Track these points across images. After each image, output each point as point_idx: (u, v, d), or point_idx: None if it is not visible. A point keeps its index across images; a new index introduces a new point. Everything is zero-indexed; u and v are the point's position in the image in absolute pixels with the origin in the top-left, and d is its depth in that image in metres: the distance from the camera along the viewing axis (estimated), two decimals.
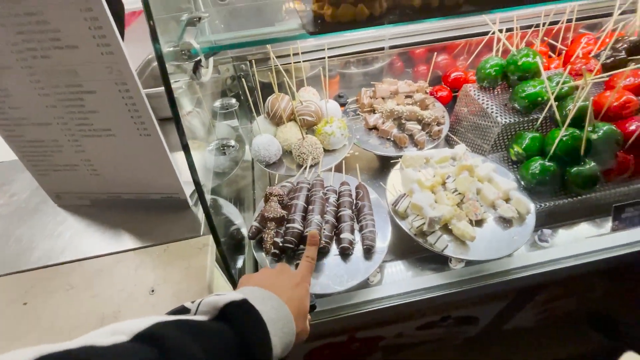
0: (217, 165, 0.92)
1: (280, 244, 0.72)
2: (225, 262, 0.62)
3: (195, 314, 0.38)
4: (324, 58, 1.03)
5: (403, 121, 1.04)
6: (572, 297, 1.06)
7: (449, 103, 1.21)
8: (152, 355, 0.29)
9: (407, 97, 1.10)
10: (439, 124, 1.02)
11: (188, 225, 0.66)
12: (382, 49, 1.18)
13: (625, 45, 0.97)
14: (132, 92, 0.54)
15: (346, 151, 0.99)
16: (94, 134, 0.59)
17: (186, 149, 0.49)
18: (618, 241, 0.82)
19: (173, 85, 0.79)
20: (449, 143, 1.13)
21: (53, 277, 0.58)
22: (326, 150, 0.99)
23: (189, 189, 0.70)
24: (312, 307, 0.56)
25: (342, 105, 1.21)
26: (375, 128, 1.07)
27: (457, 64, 1.34)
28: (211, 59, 0.69)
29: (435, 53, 1.18)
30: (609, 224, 0.83)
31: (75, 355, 0.26)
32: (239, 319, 0.38)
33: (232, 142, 0.91)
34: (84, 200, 0.71)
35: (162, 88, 0.55)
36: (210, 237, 0.61)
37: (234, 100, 1.00)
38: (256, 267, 0.82)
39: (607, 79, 0.90)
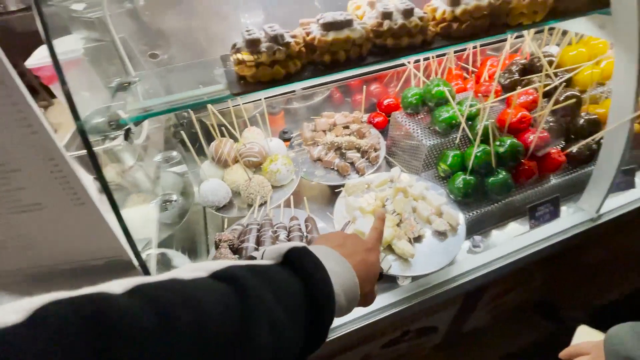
0: (165, 216, 0.92)
1: None
2: None
3: (261, 259, 0.42)
4: (260, 99, 1.09)
5: (344, 151, 1.12)
6: (515, 291, 1.17)
7: (386, 127, 1.32)
8: (229, 291, 0.31)
9: (345, 127, 1.19)
10: (375, 149, 1.11)
11: None
12: (293, 91, 1.27)
13: (518, 68, 1.14)
14: (60, 166, 0.54)
15: (294, 185, 1.04)
16: (22, 210, 0.58)
17: (118, 215, 0.50)
18: (538, 237, 0.94)
19: (109, 145, 0.80)
20: (390, 165, 1.22)
21: None
22: (275, 187, 1.03)
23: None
24: (381, 275, 0.56)
25: (287, 140, 1.26)
26: (319, 159, 1.13)
27: (388, 90, 1.47)
28: (146, 121, 0.71)
29: (365, 86, 1.28)
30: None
31: (165, 285, 0.29)
32: (302, 263, 0.40)
33: (174, 197, 0.91)
34: (16, 277, 0.67)
35: (102, 147, 0.56)
36: None
37: (175, 153, 1.02)
38: None
39: (493, 103, 1.04)
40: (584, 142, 0.93)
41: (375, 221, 0.60)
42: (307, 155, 1.16)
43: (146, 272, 0.58)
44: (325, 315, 0.39)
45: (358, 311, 0.79)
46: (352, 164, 1.09)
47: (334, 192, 1.16)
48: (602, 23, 0.79)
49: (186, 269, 0.34)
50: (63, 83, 0.47)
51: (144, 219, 0.83)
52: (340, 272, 0.43)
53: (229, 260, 0.37)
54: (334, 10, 0.88)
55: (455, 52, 1.39)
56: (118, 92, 0.66)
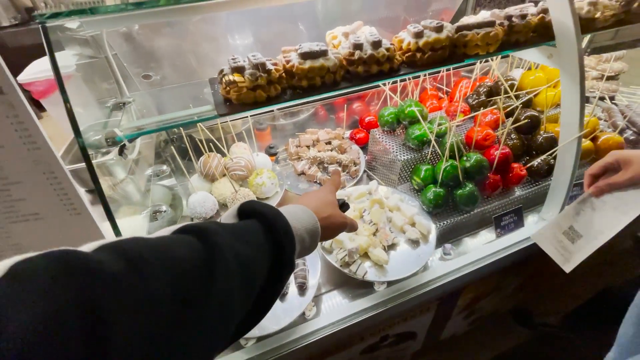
0: (154, 227, 0.96)
1: None
2: None
3: None
4: (247, 117, 1.16)
5: (326, 165, 1.19)
6: (489, 298, 1.23)
7: (367, 142, 1.40)
8: (191, 238, 0.34)
9: (327, 143, 1.26)
10: (355, 164, 1.19)
11: None
12: (271, 110, 1.36)
13: (485, 89, 1.25)
14: (60, 179, 0.59)
15: (278, 198, 1.10)
16: (21, 220, 0.62)
17: (114, 224, 0.56)
18: (504, 244, 1.01)
19: (103, 159, 0.85)
20: (371, 178, 1.29)
21: None
22: (260, 199, 1.09)
23: None
24: (345, 205, 0.65)
25: (273, 155, 1.33)
26: (303, 173, 1.20)
27: (370, 108, 1.57)
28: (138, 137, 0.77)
29: (347, 104, 1.38)
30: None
31: (129, 240, 0.31)
32: (254, 208, 0.45)
33: (164, 207, 0.96)
34: None
35: (97, 161, 0.61)
36: None
37: (165, 167, 1.07)
38: None
39: (459, 123, 1.14)
40: (542, 157, 1.02)
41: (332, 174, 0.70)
42: (292, 169, 1.23)
43: None
44: (285, 244, 0.44)
45: (336, 314, 0.85)
46: None
47: None
48: (550, 53, 0.89)
49: (149, 235, 0.37)
50: (66, 101, 0.53)
51: (134, 229, 0.87)
52: (292, 211, 0.50)
53: (184, 222, 0.40)
54: (316, 34, 0.98)
55: (430, 73, 1.50)
56: (114, 111, 0.72)
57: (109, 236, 0.66)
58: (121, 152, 0.61)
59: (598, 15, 0.89)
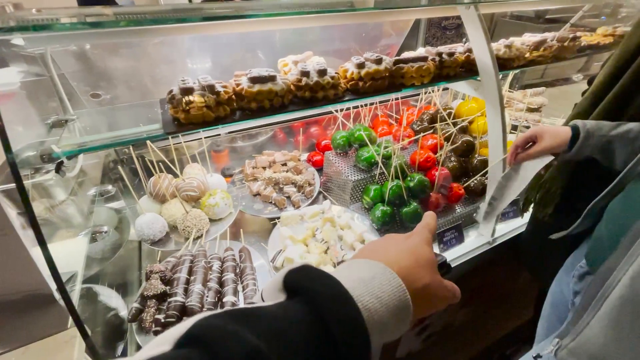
0: (95, 251, 0.91)
1: (162, 320, 0.74)
2: (95, 353, 0.62)
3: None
4: (201, 138, 1.17)
5: (281, 186, 1.21)
6: (438, 312, 1.28)
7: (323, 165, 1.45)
8: (192, 356, 0.23)
9: (283, 165, 1.30)
10: (310, 184, 1.22)
11: (54, 320, 0.64)
12: (219, 134, 1.39)
13: (428, 117, 1.37)
14: None
15: (232, 219, 1.09)
16: None
17: (44, 248, 0.53)
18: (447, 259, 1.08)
19: (40, 178, 0.81)
20: (326, 198, 1.33)
21: None
22: (213, 220, 1.08)
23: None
24: (446, 266, 0.44)
25: (229, 176, 1.33)
26: (258, 194, 1.21)
27: (327, 133, 1.64)
28: (81, 155, 0.75)
29: (302, 128, 1.43)
30: None
31: None
32: (304, 282, 0.30)
33: (105, 228, 0.92)
34: None
35: (33, 181, 0.59)
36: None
37: (110, 187, 1.03)
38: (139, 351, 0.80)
39: (404, 146, 1.24)
40: (476, 177, 1.13)
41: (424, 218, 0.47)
42: (248, 190, 1.24)
43: (69, 306, 0.58)
44: (347, 336, 0.28)
45: None
46: (288, 197, 1.19)
47: (272, 225, 1.23)
48: (476, 86, 1.02)
49: (151, 345, 0.26)
50: None
51: (70, 252, 0.82)
52: (366, 278, 0.33)
53: (200, 314, 0.28)
54: (273, 61, 1.03)
55: (381, 102, 1.62)
56: (54, 128, 0.70)
57: (38, 259, 0.62)
58: (58, 169, 0.59)
59: (514, 55, 1.04)
